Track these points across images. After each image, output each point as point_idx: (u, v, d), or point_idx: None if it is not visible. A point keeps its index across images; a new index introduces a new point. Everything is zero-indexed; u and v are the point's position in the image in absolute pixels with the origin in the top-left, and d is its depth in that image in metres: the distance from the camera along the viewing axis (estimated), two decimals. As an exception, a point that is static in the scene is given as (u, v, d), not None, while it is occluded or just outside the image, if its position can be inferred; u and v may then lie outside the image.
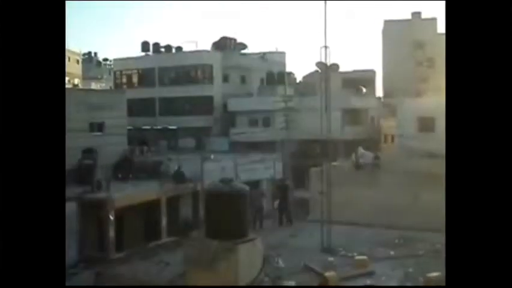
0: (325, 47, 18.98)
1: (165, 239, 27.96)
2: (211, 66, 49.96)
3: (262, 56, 56.12)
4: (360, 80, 49.89)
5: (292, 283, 15.29)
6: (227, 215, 15.68)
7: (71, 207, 25.47)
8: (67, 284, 7.54)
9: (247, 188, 17.05)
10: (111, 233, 25.81)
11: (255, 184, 25.66)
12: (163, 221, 28.81)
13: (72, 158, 30.87)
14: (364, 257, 17.11)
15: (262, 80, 54.32)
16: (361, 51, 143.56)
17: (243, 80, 52.71)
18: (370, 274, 15.78)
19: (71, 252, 24.88)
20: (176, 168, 31.94)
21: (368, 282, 14.86)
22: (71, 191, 27.29)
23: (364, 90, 49.83)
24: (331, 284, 15.26)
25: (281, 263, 17.40)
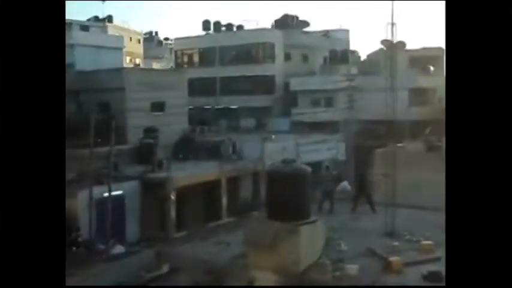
0: (392, 23, 18.48)
1: (225, 219, 27.91)
2: (272, 45, 49.36)
3: (325, 33, 55.09)
4: (428, 58, 48.00)
5: (354, 267, 14.90)
6: (288, 196, 15.35)
7: (133, 186, 25.74)
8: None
9: (309, 169, 16.62)
10: (172, 212, 25.90)
11: (316, 165, 25.09)
12: (224, 201, 28.73)
13: (133, 137, 31.21)
14: (430, 242, 16.53)
15: (325, 58, 53.24)
16: (428, 28, 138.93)
17: (305, 58, 51.79)
18: (435, 260, 15.17)
19: (133, 231, 25.19)
20: (231, 147, 31.85)
21: (433, 268, 14.27)
22: (133, 170, 27.61)
23: (431, 68, 48.11)
24: (395, 268, 14.80)
25: (343, 246, 17.01)
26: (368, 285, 14.49)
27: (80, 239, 21.85)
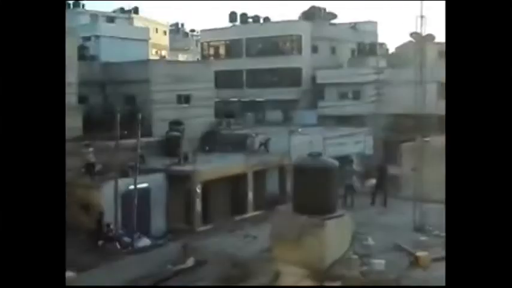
0: (421, 16, 18.26)
1: (251, 212, 27.75)
2: (300, 37, 48.96)
3: (353, 26, 54.52)
4: (458, 51, 47.19)
5: (382, 262, 14.69)
6: (315, 190, 15.13)
7: (158, 179, 25.72)
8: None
9: (336, 162, 16.36)
10: (198, 205, 25.83)
11: (343, 159, 24.79)
12: (250, 195, 28.57)
13: (160, 129, 31.23)
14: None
15: (352, 51, 52.69)
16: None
17: (332, 51, 51.26)
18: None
19: (159, 224, 25.19)
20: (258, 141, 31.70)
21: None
22: (159, 162, 27.62)
23: (461, 61, 47.26)
24: (422, 264, 14.59)
25: (370, 241, 16.79)
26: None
27: (111, 234, 21.92)
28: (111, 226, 22.04)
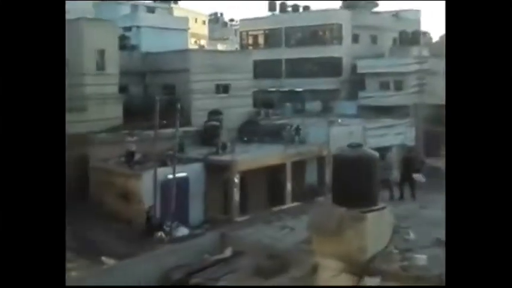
0: None
1: (289, 204, 27.53)
2: (340, 26, 48.25)
3: (395, 14, 53.47)
4: (504, 39, 45.85)
5: (423, 257, 14.29)
6: (355, 182, 14.82)
7: (197, 168, 25.75)
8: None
9: (376, 154, 16.02)
10: (236, 195, 25.76)
11: (384, 150, 24.36)
12: (288, 186, 28.35)
13: (198, 119, 31.25)
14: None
15: (394, 40, 51.64)
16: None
17: (373, 40, 50.37)
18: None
19: (197, 213, 25.24)
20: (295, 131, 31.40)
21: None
22: (197, 152, 27.65)
23: (509, 50, 45.90)
24: None
25: (412, 235, 16.41)
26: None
27: (152, 223, 22.07)
28: (151, 212, 22.19)
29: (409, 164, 23.53)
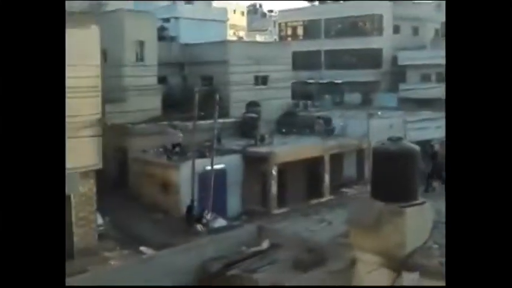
0: None
1: (327, 197, 27.33)
2: (380, 17, 47.56)
3: (438, 5, 52.36)
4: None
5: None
6: (395, 176, 14.56)
7: (235, 160, 25.75)
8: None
9: (417, 148, 15.74)
10: (273, 187, 25.68)
11: (425, 144, 23.89)
12: (326, 179, 28.13)
13: (236, 110, 31.23)
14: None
15: (436, 31, 50.56)
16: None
17: (415, 31, 49.47)
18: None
19: (234, 205, 25.26)
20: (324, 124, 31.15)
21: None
22: (235, 143, 27.65)
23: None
24: None
25: (452, 231, 16.06)
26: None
27: (191, 214, 22.16)
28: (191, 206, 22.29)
29: (436, 157, 23.18)
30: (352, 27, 49.11)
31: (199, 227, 22.10)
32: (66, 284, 6.56)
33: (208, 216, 22.57)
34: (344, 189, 28.04)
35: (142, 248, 19.64)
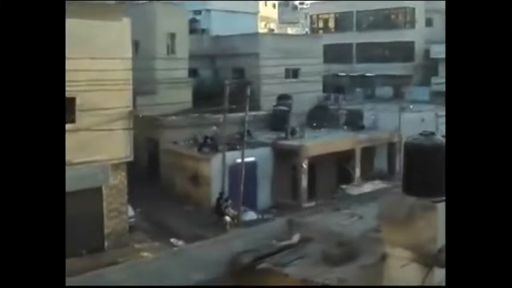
0: None
1: (357, 191, 27.09)
2: (413, 10, 46.83)
3: (472, -3, 51.42)
4: None
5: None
6: (427, 171, 14.38)
7: (265, 153, 25.71)
8: None
9: (450, 142, 15.54)
10: (304, 181, 25.58)
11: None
12: (357, 172, 27.92)
13: (267, 103, 31.15)
14: None
15: (470, 24, 49.76)
16: None
17: (448, 24, 48.72)
18: None
19: (264, 198, 25.24)
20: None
21: None
22: (266, 136, 27.59)
23: None
24: None
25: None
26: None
27: (222, 207, 22.21)
28: (224, 197, 22.35)
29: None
30: (385, 19, 48.49)
31: (227, 219, 22.16)
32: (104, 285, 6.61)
33: (238, 208, 22.61)
34: (375, 183, 27.77)
35: (172, 240, 19.77)
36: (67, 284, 6.50)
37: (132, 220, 20.41)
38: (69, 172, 18.07)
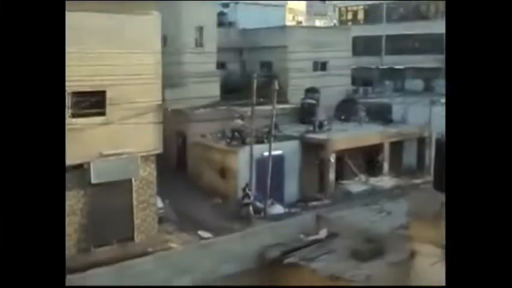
0: None
1: (386, 186, 26.88)
2: (443, 1, 46.14)
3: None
4: None
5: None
6: (458, 167, 14.20)
7: (293, 146, 25.65)
8: None
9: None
10: (331, 175, 25.46)
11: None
12: (386, 167, 27.68)
13: (294, 96, 31.03)
14: None
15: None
16: None
17: (481, 15, 47.86)
18: None
19: (292, 191, 25.20)
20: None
21: None
22: (293, 130, 27.52)
23: None
24: None
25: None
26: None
27: (247, 200, 22.23)
28: (248, 192, 22.36)
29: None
30: (415, 11, 47.80)
31: (255, 212, 22.20)
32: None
33: (266, 202, 22.62)
34: (403, 179, 27.54)
35: (200, 232, 19.89)
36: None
37: (161, 211, 20.60)
38: (101, 164, 18.33)
